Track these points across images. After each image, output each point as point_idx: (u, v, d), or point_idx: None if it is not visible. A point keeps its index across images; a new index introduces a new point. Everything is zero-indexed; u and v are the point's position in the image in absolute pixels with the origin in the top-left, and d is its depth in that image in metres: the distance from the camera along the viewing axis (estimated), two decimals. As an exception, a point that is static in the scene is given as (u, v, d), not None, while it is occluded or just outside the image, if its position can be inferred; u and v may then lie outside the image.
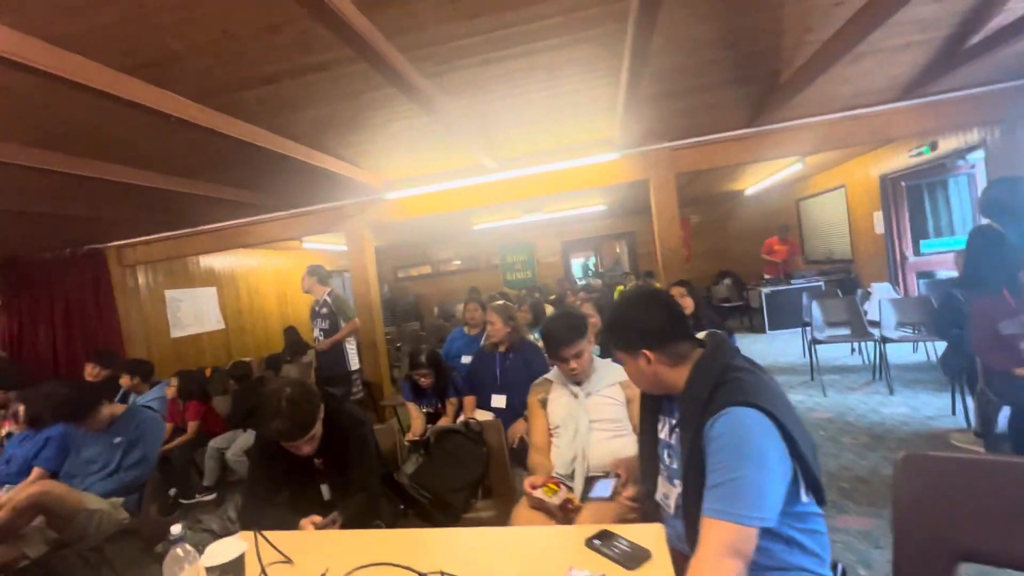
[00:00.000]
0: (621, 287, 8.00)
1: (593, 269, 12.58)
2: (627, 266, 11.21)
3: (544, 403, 1.90)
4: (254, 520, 1.46)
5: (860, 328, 4.23)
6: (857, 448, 3.03)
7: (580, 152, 4.49)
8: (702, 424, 1.04)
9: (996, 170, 4.48)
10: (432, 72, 2.83)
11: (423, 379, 2.69)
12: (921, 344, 4.64)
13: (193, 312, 6.19)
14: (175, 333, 5.88)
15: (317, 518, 1.54)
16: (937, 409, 3.41)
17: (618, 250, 13.16)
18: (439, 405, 2.80)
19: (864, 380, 4.25)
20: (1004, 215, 2.70)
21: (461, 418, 2.74)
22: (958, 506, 1.06)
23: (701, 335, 1.25)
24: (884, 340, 3.94)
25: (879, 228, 6.33)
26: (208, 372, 4.88)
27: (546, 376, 1.99)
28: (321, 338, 3.85)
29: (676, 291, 2.74)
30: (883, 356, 4.01)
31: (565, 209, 8.22)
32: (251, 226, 5.18)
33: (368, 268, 4.88)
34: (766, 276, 7.76)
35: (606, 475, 1.68)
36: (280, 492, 1.71)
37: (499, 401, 2.58)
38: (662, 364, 1.18)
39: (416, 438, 2.42)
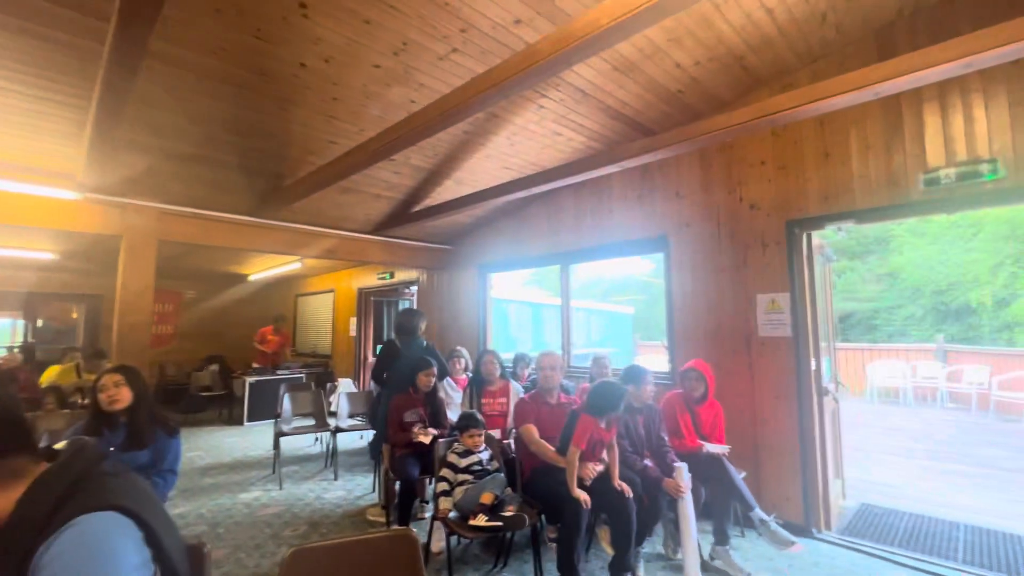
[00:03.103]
0: (58, 366, 5.87)
1: (23, 337, 8.82)
2: (79, 338, 8.51)
3: None
4: None
5: (322, 419, 4.72)
6: (294, 540, 3.16)
7: (12, 173, 3.23)
8: (32, 552, 0.78)
9: (422, 300, 6.32)
10: None
11: None
12: (367, 432, 5.61)
13: None
14: None
15: None
16: (365, 489, 4.10)
17: (75, 316, 9.87)
18: None
19: (318, 468, 4.66)
20: (402, 334, 3.80)
21: None
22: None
23: (60, 445, 0.99)
24: (338, 430, 4.53)
25: (353, 331, 7.59)
26: None
27: None
28: None
29: (109, 379, 2.18)
30: (335, 445, 4.57)
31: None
32: None
33: None
34: (255, 365, 7.64)
35: None
36: None
37: None
38: None
39: None
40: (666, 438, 2.84)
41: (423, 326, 3.98)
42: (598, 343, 11.36)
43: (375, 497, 3.90)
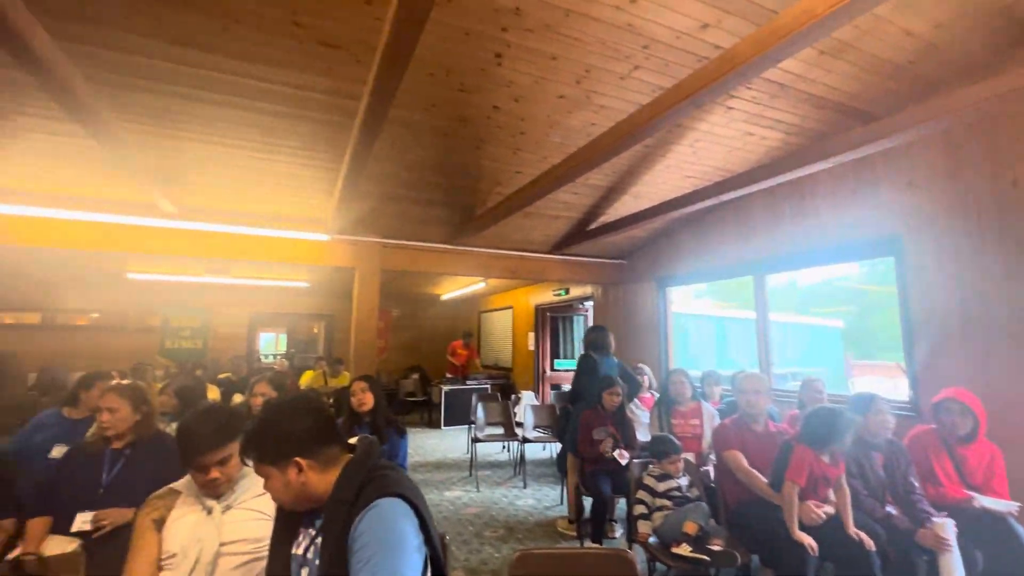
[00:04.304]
0: (311, 371, 7.44)
1: (285, 348, 11.41)
2: (321, 349, 10.62)
3: (160, 524, 1.47)
4: None
5: (510, 428, 5.04)
6: (495, 541, 3.41)
7: (287, 224, 4.22)
8: (349, 523, 1.03)
9: (598, 316, 6.34)
10: (99, 77, 2.25)
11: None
12: (551, 444, 5.80)
13: None
14: None
15: None
16: (553, 500, 4.24)
17: (316, 331, 12.44)
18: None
19: (508, 475, 4.98)
20: (597, 350, 3.84)
21: (16, 551, 1.85)
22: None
23: (353, 440, 1.24)
24: (524, 440, 4.79)
25: (532, 346, 7.98)
26: None
27: (172, 486, 1.56)
28: None
29: (358, 385, 2.70)
30: (523, 454, 4.83)
31: (259, 277, 7.39)
32: None
33: None
34: (448, 375, 8.57)
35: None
36: None
37: (84, 521, 1.84)
38: (314, 471, 1.14)
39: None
40: (916, 483, 2.32)
41: (613, 343, 4.00)
42: (797, 362, 9.91)
43: (563, 509, 3.99)
